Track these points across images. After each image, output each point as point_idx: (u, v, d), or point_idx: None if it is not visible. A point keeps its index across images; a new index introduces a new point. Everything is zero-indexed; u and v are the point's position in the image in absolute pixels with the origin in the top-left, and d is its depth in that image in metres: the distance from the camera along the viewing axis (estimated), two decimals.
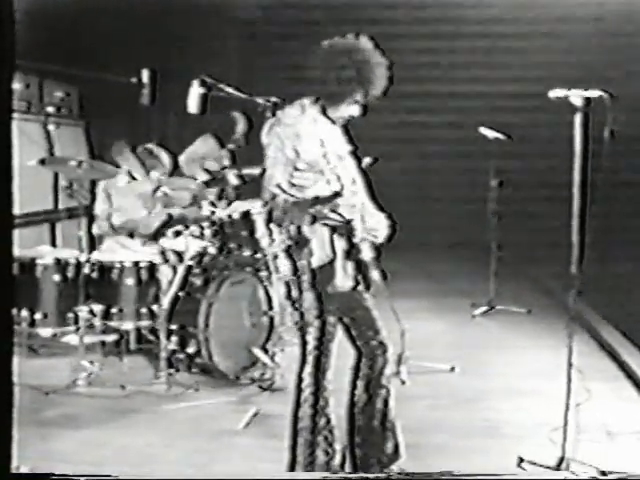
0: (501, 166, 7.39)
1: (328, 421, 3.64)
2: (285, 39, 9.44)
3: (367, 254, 3.57)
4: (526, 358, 6.02)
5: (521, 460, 4.01)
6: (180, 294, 5.44)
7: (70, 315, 5.42)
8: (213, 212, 5.69)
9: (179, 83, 5.77)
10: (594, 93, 3.72)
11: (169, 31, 8.18)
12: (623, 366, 5.76)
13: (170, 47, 8.18)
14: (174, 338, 5.35)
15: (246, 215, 5.87)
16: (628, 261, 8.13)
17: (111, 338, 5.63)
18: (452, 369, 5.65)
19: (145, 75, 5.55)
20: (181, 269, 5.50)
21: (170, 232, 5.68)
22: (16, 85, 6.72)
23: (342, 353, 3.73)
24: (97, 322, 5.35)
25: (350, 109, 3.56)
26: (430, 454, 3.99)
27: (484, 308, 7.42)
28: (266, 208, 3.49)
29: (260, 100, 6.02)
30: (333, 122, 3.57)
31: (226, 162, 7.31)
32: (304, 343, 3.62)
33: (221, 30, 9.17)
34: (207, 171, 7.08)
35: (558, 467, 3.90)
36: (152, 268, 5.49)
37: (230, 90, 5.85)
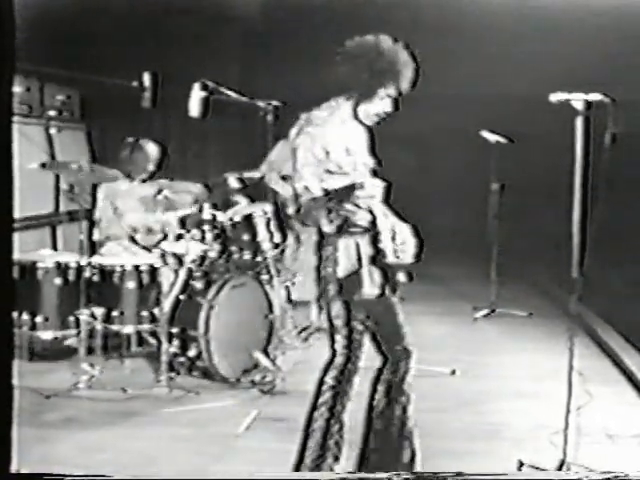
0: (502, 169, 7.39)
1: (341, 427, 3.64)
2: (287, 41, 9.45)
3: (391, 258, 3.57)
4: (527, 361, 6.02)
5: (521, 464, 4.01)
6: (181, 297, 5.44)
7: (71, 318, 5.42)
8: (214, 215, 5.70)
9: (180, 86, 5.78)
10: (595, 97, 3.72)
11: (170, 34, 8.18)
12: (624, 369, 5.76)
13: (171, 50, 8.18)
14: (175, 341, 5.35)
15: (247, 218, 5.88)
16: (629, 265, 8.13)
17: (112, 341, 5.62)
18: (453, 372, 5.65)
19: (146, 78, 5.57)
20: (182, 272, 5.50)
21: (171, 235, 5.68)
22: (17, 88, 6.72)
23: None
24: (98, 325, 5.35)
25: (383, 104, 3.56)
26: (431, 457, 3.97)
27: (485, 311, 7.42)
28: (293, 208, 3.46)
29: (261, 103, 6.06)
30: (363, 124, 3.58)
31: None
32: (333, 350, 3.63)
33: (222, 33, 9.18)
34: (283, 178, 7.12)
35: (559, 470, 3.90)
36: (153, 271, 5.50)
37: (231, 93, 5.87)
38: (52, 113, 7.40)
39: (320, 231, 3.54)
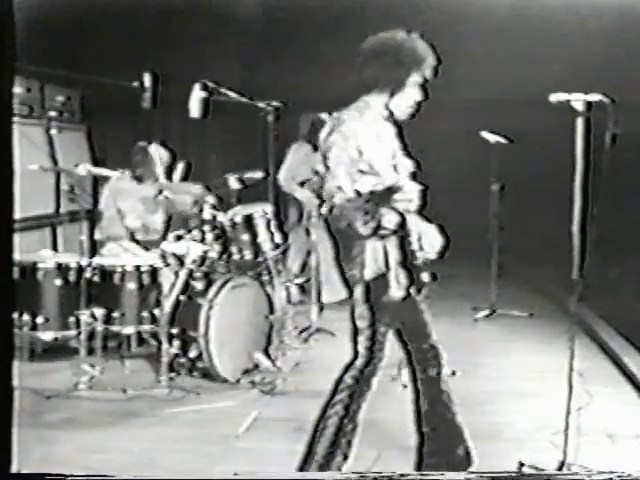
0: (502, 170, 7.39)
1: (355, 427, 3.65)
2: (287, 42, 9.44)
3: (420, 259, 3.57)
4: (527, 362, 6.01)
5: (522, 464, 4.01)
6: (181, 298, 5.44)
7: (72, 319, 5.42)
8: (214, 216, 5.70)
9: (181, 86, 5.78)
10: (595, 97, 3.72)
11: (170, 34, 8.18)
12: (624, 370, 5.76)
13: (171, 50, 8.18)
14: (175, 342, 5.35)
15: (248, 219, 5.88)
16: (630, 265, 8.12)
17: (112, 342, 5.63)
18: (453, 373, 5.63)
19: (147, 79, 5.56)
20: (182, 273, 5.50)
21: (171, 236, 5.68)
22: (18, 89, 6.73)
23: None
24: (99, 326, 5.35)
25: (414, 93, 3.57)
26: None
27: (486, 312, 7.42)
28: (325, 209, 3.45)
29: (261, 104, 6.06)
30: (394, 123, 3.60)
31: (320, 167, 7.35)
32: (355, 351, 3.65)
33: (222, 33, 9.17)
34: (301, 183, 7.14)
35: (559, 470, 3.90)
36: (154, 272, 5.50)
37: (231, 94, 5.87)
38: (53, 114, 7.40)
39: (339, 233, 3.52)
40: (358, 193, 3.36)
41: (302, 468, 3.71)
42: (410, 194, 3.45)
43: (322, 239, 7.60)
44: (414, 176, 3.59)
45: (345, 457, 3.64)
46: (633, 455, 4.32)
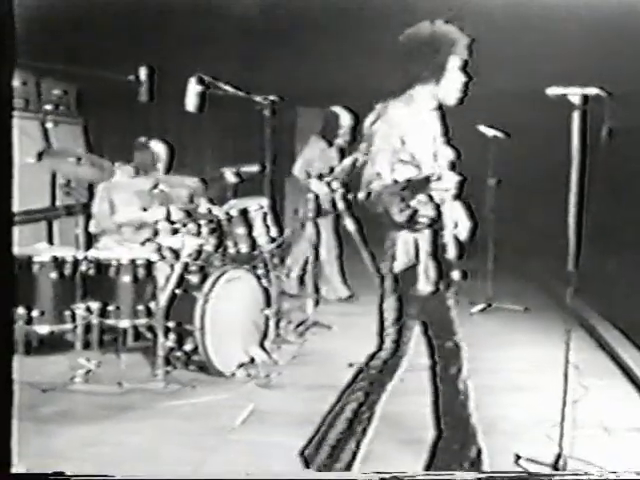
0: (499, 164, 7.39)
1: (372, 415, 3.66)
2: (284, 37, 9.43)
3: (452, 253, 3.57)
4: (523, 355, 6.02)
5: (518, 457, 4.02)
6: (177, 291, 5.44)
7: (67, 313, 5.42)
8: (210, 210, 5.69)
9: (178, 80, 5.78)
10: (592, 91, 3.72)
11: (167, 28, 8.16)
12: (620, 363, 5.77)
13: (168, 44, 8.17)
14: (171, 335, 5.35)
15: (244, 213, 5.88)
16: (625, 258, 8.13)
17: (108, 336, 5.62)
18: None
19: (143, 72, 5.55)
20: (178, 266, 5.49)
21: (167, 229, 5.67)
22: (14, 83, 6.70)
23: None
24: (94, 320, 5.34)
25: (457, 75, 3.59)
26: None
27: (482, 306, 7.43)
28: (364, 193, 3.45)
29: (258, 98, 6.05)
30: (439, 112, 3.62)
31: (335, 161, 7.39)
32: (381, 342, 3.65)
33: (219, 27, 9.16)
34: (320, 176, 7.15)
35: (555, 463, 3.91)
36: (149, 266, 5.49)
37: (228, 88, 5.86)
38: (48, 107, 7.39)
39: (372, 221, 3.52)
40: (395, 182, 3.37)
41: (312, 451, 3.73)
42: (448, 183, 3.45)
43: (329, 236, 7.62)
44: (453, 166, 3.60)
45: (358, 444, 3.65)
46: (628, 448, 4.32)
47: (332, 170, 7.38)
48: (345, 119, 7.52)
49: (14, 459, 3.44)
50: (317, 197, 7.26)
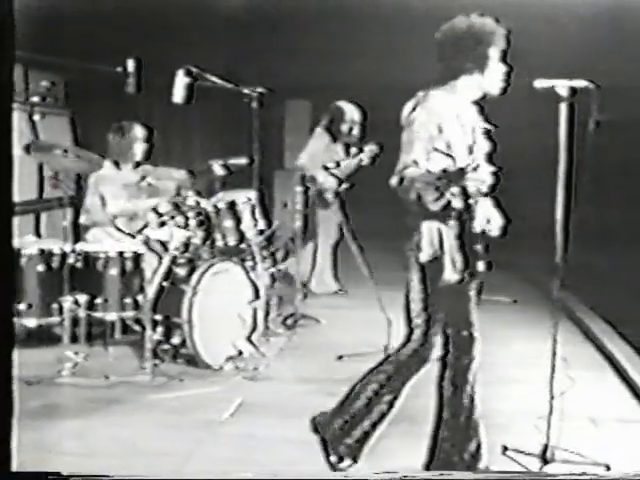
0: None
1: (395, 397, 3.68)
2: (271, 28, 9.41)
3: (480, 245, 3.57)
4: (511, 347, 6.04)
5: (505, 448, 4.03)
6: (164, 284, 5.43)
7: (55, 306, 5.39)
8: (198, 202, 5.68)
9: (166, 72, 5.75)
10: (580, 83, 3.72)
11: (155, 20, 8.13)
12: (607, 354, 5.79)
13: (156, 36, 8.14)
14: (159, 328, 5.34)
15: (232, 205, 5.86)
16: (613, 250, 8.15)
17: (96, 329, 5.60)
18: (438, 359, 5.65)
19: (130, 64, 5.53)
20: (166, 259, 5.48)
21: (155, 222, 5.65)
22: None
23: None
24: (82, 313, 5.32)
25: (499, 66, 3.60)
26: (417, 442, 3.98)
27: None
28: (397, 178, 3.44)
29: (246, 90, 6.04)
30: (480, 104, 3.64)
31: (341, 155, 7.38)
32: (409, 334, 3.66)
33: (207, 19, 9.13)
34: (324, 167, 7.14)
35: (543, 455, 3.92)
36: (137, 258, 5.47)
37: (216, 80, 5.84)
38: (36, 99, 7.35)
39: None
40: (428, 171, 3.36)
41: (325, 420, 3.75)
42: (483, 176, 3.44)
43: (330, 228, 7.62)
44: (490, 157, 3.59)
45: (374, 426, 3.67)
46: (615, 439, 4.34)
47: (338, 164, 7.38)
48: (351, 114, 7.48)
49: (13, 457, 3.44)
50: (319, 190, 7.26)
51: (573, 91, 3.70)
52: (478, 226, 3.50)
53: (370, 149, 7.40)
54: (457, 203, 3.36)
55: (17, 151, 5.82)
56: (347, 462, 3.72)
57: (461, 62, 3.57)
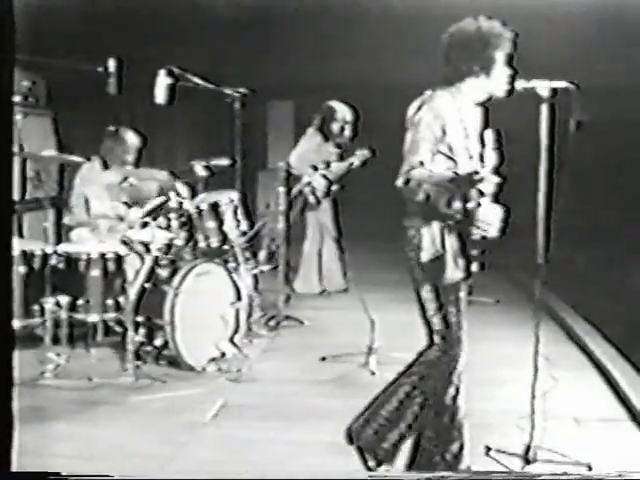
0: None
1: (423, 404, 3.65)
2: (254, 29, 9.40)
3: (476, 248, 3.57)
4: (494, 347, 6.04)
5: (489, 449, 4.03)
6: (147, 285, 5.41)
7: (36, 307, 5.36)
8: (181, 203, 5.66)
9: (148, 72, 5.73)
10: (560, 84, 3.73)
11: (136, 20, 8.11)
12: (589, 354, 5.81)
13: (139, 36, 8.11)
14: (141, 330, 5.32)
15: (214, 207, 5.85)
16: (594, 250, 8.20)
17: (78, 330, 5.58)
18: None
19: (111, 64, 5.49)
20: (148, 260, 5.46)
21: (137, 223, 5.63)
22: None
23: None
24: (63, 314, 5.30)
25: (504, 69, 3.60)
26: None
27: None
28: (402, 179, 3.43)
29: (228, 91, 6.03)
30: (485, 109, 3.64)
31: (332, 157, 7.37)
32: (431, 335, 3.66)
33: (190, 20, 9.12)
34: (314, 167, 7.12)
35: (525, 455, 3.93)
36: (119, 259, 5.45)
37: (198, 80, 5.83)
38: (17, 99, 7.31)
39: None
40: (431, 172, 3.37)
41: (359, 427, 3.72)
42: (487, 186, 3.43)
43: (316, 229, 7.62)
44: (497, 170, 3.58)
45: (410, 427, 3.65)
46: (598, 438, 4.36)
47: (329, 165, 7.38)
48: (342, 113, 7.48)
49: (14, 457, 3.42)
50: (309, 190, 7.25)
51: (554, 92, 3.71)
52: (477, 230, 3.49)
53: (362, 153, 7.41)
54: (470, 205, 3.36)
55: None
56: (386, 466, 3.71)
57: (468, 65, 3.56)
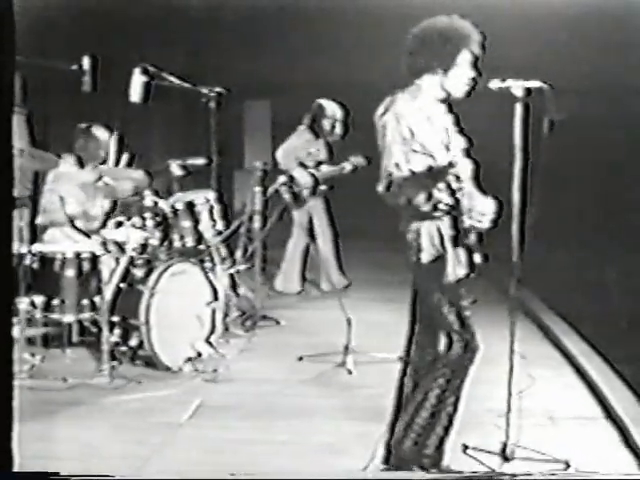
0: None
1: (456, 402, 3.65)
2: (232, 27, 9.37)
3: (472, 238, 3.56)
4: None
5: (466, 447, 4.04)
6: (122, 286, 5.38)
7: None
8: (156, 203, 5.63)
9: (123, 70, 5.70)
10: (534, 84, 3.74)
11: (112, 17, 8.07)
12: (565, 352, 5.84)
13: (115, 34, 8.07)
14: (116, 330, 5.29)
15: (190, 206, 5.83)
16: (569, 249, 8.24)
17: (52, 330, 5.54)
18: (400, 358, 5.65)
19: (86, 62, 5.46)
20: (123, 260, 5.43)
21: (111, 223, 5.60)
22: None
23: None
24: (38, 314, 5.26)
25: (465, 70, 3.59)
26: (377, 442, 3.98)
27: None
28: (383, 185, 3.43)
29: (204, 90, 6.01)
30: (447, 103, 3.63)
31: (322, 155, 7.34)
32: (449, 337, 3.63)
33: (167, 18, 9.08)
34: (302, 164, 7.09)
35: (503, 453, 3.94)
36: (94, 259, 5.41)
37: (173, 79, 5.81)
38: None
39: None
40: (412, 172, 3.37)
41: (396, 442, 3.68)
42: (462, 170, 3.42)
43: (323, 225, 7.60)
44: (467, 153, 3.60)
45: (446, 430, 3.64)
46: (574, 436, 4.38)
47: (319, 164, 7.37)
48: (332, 111, 7.47)
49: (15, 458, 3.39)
50: (290, 188, 7.22)
51: (528, 91, 3.72)
52: (467, 220, 3.50)
53: (357, 160, 7.42)
54: (446, 199, 3.36)
55: None
56: (433, 471, 3.69)
57: (427, 60, 3.56)
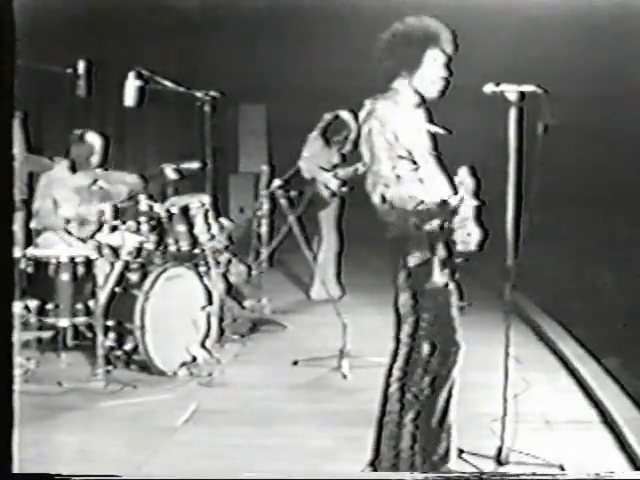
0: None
1: (417, 416, 3.62)
2: (225, 31, 9.39)
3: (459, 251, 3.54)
4: (467, 351, 6.04)
5: (461, 451, 4.03)
6: (117, 290, 5.37)
7: None
8: (151, 207, 5.63)
9: (118, 75, 5.69)
10: (528, 88, 3.75)
11: (109, 22, 8.07)
12: (560, 356, 5.84)
13: (109, 38, 8.07)
14: (111, 334, 5.29)
15: (184, 210, 5.82)
16: (563, 252, 8.24)
17: (47, 334, 5.52)
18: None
19: (81, 66, 5.44)
20: (118, 264, 5.42)
21: (106, 227, 5.59)
22: None
23: None
24: (32, 318, 5.25)
25: (434, 68, 3.57)
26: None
27: None
28: (377, 197, 3.45)
29: (199, 94, 6.00)
30: (426, 109, 3.63)
31: (335, 160, 7.32)
32: (397, 339, 3.64)
33: (160, 22, 9.08)
34: (323, 169, 7.06)
35: (498, 457, 3.94)
36: (88, 263, 5.41)
37: (168, 83, 5.80)
38: None
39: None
40: (424, 204, 3.37)
41: (392, 456, 3.67)
42: (466, 213, 3.40)
43: (330, 232, 7.57)
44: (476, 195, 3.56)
45: (411, 449, 3.62)
46: (569, 440, 4.38)
47: (335, 167, 7.35)
48: (348, 123, 7.44)
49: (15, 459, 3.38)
50: (319, 191, 7.18)
51: (522, 96, 3.72)
52: (459, 235, 3.47)
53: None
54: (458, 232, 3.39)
55: None
56: (445, 468, 3.69)
57: (394, 64, 3.56)
